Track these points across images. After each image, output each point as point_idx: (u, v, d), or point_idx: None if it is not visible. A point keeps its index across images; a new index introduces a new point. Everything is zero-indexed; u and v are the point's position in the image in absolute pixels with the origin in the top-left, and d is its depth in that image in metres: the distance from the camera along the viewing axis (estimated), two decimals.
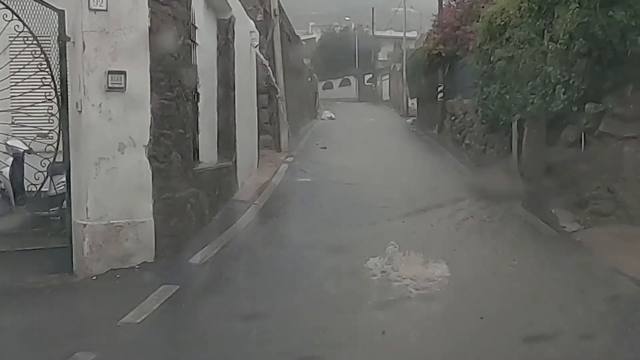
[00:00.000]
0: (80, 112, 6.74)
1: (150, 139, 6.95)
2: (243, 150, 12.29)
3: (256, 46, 14.30)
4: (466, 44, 19.24)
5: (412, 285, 5.93)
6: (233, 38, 11.47)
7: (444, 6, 22.98)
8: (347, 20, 62.99)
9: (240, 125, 11.98)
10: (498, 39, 12.15)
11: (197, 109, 9.59)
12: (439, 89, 21.97)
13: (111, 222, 6.75)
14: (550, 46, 8.97)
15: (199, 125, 9.64)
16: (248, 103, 13.58)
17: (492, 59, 12.18)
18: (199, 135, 9.65)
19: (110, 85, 6.71)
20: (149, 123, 6.94)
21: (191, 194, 7.97)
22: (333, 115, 33.74)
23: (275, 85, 17.87)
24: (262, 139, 16.91)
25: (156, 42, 7.01)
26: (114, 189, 6.78)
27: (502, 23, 11.96)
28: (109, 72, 6.70)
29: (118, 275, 6.52)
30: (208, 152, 10.23)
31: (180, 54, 7.56)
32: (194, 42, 9.08)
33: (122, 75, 6.74)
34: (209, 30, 10.45)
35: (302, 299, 5.81)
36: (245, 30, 13.35)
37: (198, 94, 9.65)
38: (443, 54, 21.12)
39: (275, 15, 19.54)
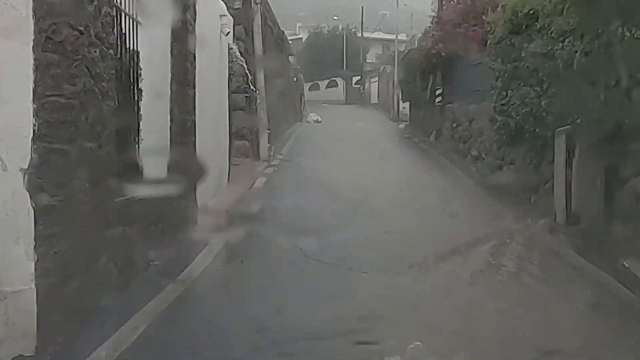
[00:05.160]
0: None
1: (32, 158, 4.36)
2: (207, 163, 9.72)
3: (227, 33, 11.69)
4: (470, 43, 17.39)
5: None
6: (194, 19, 8.91)
7: (444, 1, 21.01)
8: (335, 20, 61.13)
9: (203, 131, 9.46)
10: (526, 32, 10.14)
11: (138, 110, 7.12)
12: (437, 92, 20.20)
13: None
14: (625, 33, 6.54)
15: (140, 133, 7.14)
16: (216, 103, 11.09)
17: (521, 54, 9.91)
18: (141, 146, 7.15)
19: None
20: (30, 133, 4.36)
21: (111, 239, 5.38)
22: (319, 118, 31.99)
23: (253, 82, 15.38)
24: (236, 146, 14.62)
25: (47, 7, 4.45)
26: None
27: (531, 12, 10.01)
28: None
29: None
30: (155, 167, 7.69)
31: (90, 28, 4.96)
32: (128, 15, 6.52)
33: None
34: (157, 5, 7.87)
35: None
36: (213, 12, 10.81)
37: (140, 91, 7.19)
38: (443, 54, 19.43)
39: (257, 3, 17.11)
